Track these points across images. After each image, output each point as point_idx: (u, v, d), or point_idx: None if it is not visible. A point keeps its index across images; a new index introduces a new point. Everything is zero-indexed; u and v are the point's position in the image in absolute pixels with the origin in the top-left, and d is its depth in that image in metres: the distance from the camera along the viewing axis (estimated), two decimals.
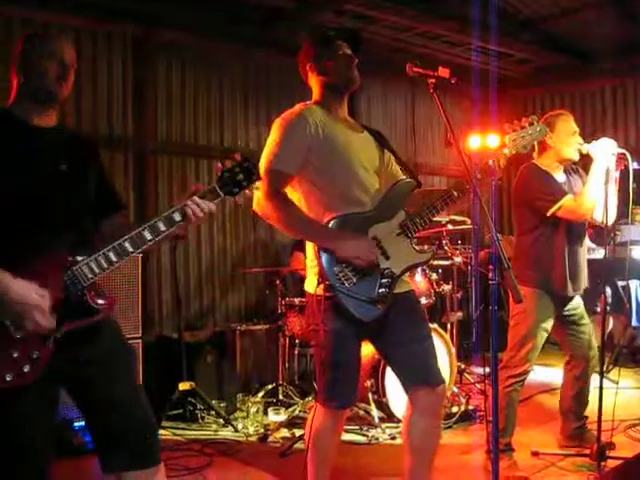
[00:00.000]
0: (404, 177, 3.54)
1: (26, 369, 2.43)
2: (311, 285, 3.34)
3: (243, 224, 7.53)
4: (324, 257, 3.21)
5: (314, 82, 3.51)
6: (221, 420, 5.66)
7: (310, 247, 3.36)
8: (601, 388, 4.18)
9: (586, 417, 4.73)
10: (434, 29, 7.56)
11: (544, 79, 9.22)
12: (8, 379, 2.41)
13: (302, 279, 6.48)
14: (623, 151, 4.27)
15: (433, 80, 3.16)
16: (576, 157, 4.43)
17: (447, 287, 6.24)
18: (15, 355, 2.42)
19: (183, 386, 5.62)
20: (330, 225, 3.25)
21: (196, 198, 2.62)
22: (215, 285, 7.39)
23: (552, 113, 4.59)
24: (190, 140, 7.19)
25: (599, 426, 4.20)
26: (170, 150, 6.98)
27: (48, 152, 2.65)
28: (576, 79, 9.15)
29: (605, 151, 4.22)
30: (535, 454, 4.69)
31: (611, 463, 4.16)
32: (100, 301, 2.58)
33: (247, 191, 2.69)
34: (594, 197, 4.26)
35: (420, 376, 3.35)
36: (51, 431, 2.68)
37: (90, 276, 2.51)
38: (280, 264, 7.26)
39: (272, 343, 6.39)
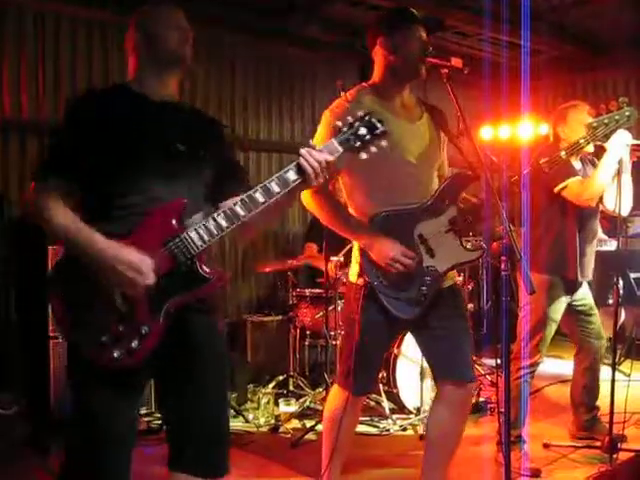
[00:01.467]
0: (461, 170, 3.39)
1: (134, 344, 2.33)
2: (352, 274, 3.36)
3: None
4: (365, 254, 3.21)
5: (378, 58, 3.34)
6: (232, 411, 5.66)
7: None
8: (613, 380, 4.17)
9: (598, 407, 4.73)
10: (446, 20, 7.52)
11: (557, 69, 9.16)
12: (116, 355, 2.32)
13: (313, 270, 6.50)
14: (637, 142, 4.24)
15: (446, 70, 3.13)
16: (590, 148, 4.40)
17: (459, 279, 6.21)
18: (122, 329, 2.33)
19: None
20: (374, 221, 3.22)
21: (307, 149, 2.41)
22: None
23: (565, 104, 4.57)
24: None
25: (611, 418, 4.19)
26: None
27: (165, 128, 2.55)
28: (588, 70, 9.10)
29: (619, 142, 4.19)
30: (546, 446, 4.69)
31: (623, 455, 4.15)
32: (211, 270, 2.44)
33: (372, 147, 2.47)
34: (600, 184, 4.23)
35: (451, 370, 3.34)
36: (135, 418, 2.65)
37: (199, 244, 2.36)
38: (291, 254, 7.25)
39: (283, 334, 6.38)
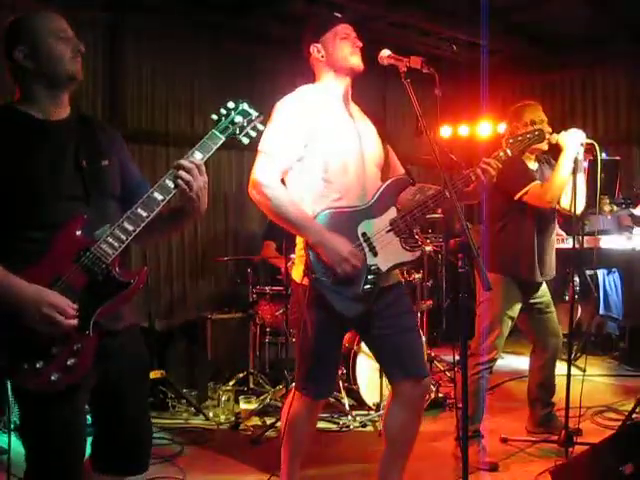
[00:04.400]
0: (401, 172, 3.51)
1: (70, 362, 2.33)
2: (298, 274, 3.34)
3: (214, 212, 7.52)
4: (312, 250, 3.20)
5: (316, 64, 3.45)
6: (192, 409, 5.66)
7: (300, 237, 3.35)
8: (569, 375, 4.24)
9: (553, 403, 4.81)
10: (405, 18, 7.57)
11: (514, 69, 9.26)
12: (54, 379, 2.31)
13: (273, 268, 6.50)
14: (591, 142, 4.31)
15: (404, 69, 3.16)
16: (545, 146, 4.46)
17: (418, 276, 6.27)
18: (54, 351, 2.32)
19: (154, 375, 5.59)
20: (318, 218, 3.21)
21: (178, 162, 2.50)
22: (186, 274, 7.38)
23: (520, 103, 4.64)
24: (161, 128, 7.15)
25: (567, 413, 4.26)
26: (141, 138, 6.94)
27: (64, 148, 2.49)
28: (546, 69, 9.21)
29: (574, 141, 4.26)
30: (504, 440, 4.75)
31: (578, 449, 4.21)
32: (128, 275, 2.46)
33: (250, 131, 2.63)
34: (560, 185, 4.31)
35: (405, 368, 3.35)
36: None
37: (111, 252, 2.38)
38: (251, 252, 7.25)
39: (243, 331, 6.38)
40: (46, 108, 2.51)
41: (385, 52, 3.30)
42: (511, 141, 3.53)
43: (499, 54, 8.92)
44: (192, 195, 2.50)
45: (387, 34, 7.87)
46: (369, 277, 3.23)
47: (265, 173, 3.21)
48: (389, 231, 3.31)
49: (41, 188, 2.40)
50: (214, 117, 2.58)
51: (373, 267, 3.25)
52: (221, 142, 2.56)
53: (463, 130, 9.40)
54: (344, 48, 3.37)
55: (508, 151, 3.48)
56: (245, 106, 2.60)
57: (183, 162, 2.49)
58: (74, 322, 2.32)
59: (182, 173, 2.48)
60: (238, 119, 2.58)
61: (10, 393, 2.43)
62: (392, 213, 3.34)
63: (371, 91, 8.90)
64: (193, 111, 7.41)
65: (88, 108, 6.54)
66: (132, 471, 2.69)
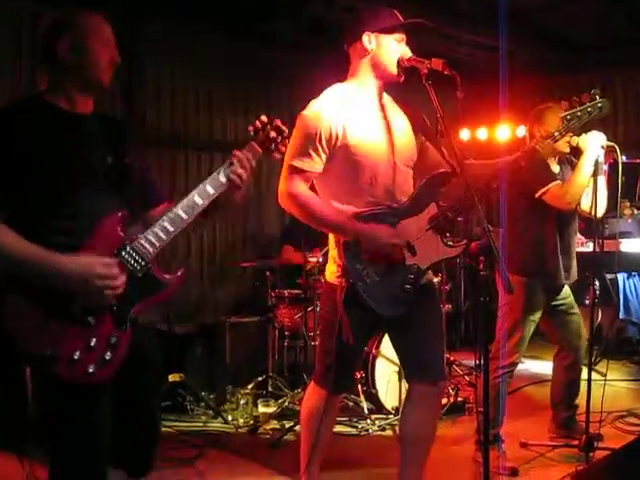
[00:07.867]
0: (441, 168, 3.36)
1: (108, 356, 2.33)
2: (330, 273, 3.35)
3: (232, 216, 7.52)
4: (347, 254, 3.18)
5: (359, 54, 3.31)
6: (211, 412, 5.66)
7: (332, 235, 3.34)
8: (589, 380, 4.21)
9: (576, 406, 4.76)
10: (427, 22, 7.54)
11: (533, 72, 9.21)
12: (91, 370, 2.30)
13: (292, 271, 6.50)
14: (612, 144, 4.28)
15: (426, 71, 3.15)
16: (566, 149, 4.44)
17: (436, 279, 6.24)
18: (93, 343, 2.31)
19: (173, 378, 5.61)
20: (358, 219, 3.21)
21: (237, 152, 2.57)
22: (205, 277, 7.38)
23: (540, 106, 4.61)
24: (179, 132, 7.17)
25: (587, 418, 4.23)
26: (159, 142, 6.96)
27: (92, 139, 2.52)
28: (565, 72, 9.15)
29: (594, 143, 4.24)
30: (524, 445, 4.72)
31: (599, 454, 4.18)
32: (167, 275, 2.51)
33: (282, 147, 2.71)
34: (580, 186, 4.28)
35: (424, 370, 3.35)
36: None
37: (151, 249, 2.43)
38: (270, 256, 7.25)
39: (262, 335, 6.37)
40: (73, 102, 2.52)
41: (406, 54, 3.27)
42: (568, 117, 3.48)
43: (518, 57, 8.87)
44: (243, 188, 2.60)
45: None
46: (409, 277, 3.24)
47: (292, 183, 3.22)
48: (428, 229, 3.30)
49: (70, 176, 2.39)
50: (251, 130, 2.63)
51: (413, 266, 3.25)
52: (258, 154, 2.63)
53: (482, 134, 9.37)
54: (395, 54, 3.28)
55: (561, 132, 3.43)
56: (279, 122, 2.67)
57: (239, 154, 2.57)
58: (119, 286, 2.33)
59: (236, 168, 2.55)
60: (272, 134, 2.65)
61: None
62: (431, 210, 3.31)
63: (391, 93, 8.90)
64: (211, 115, 7.42)
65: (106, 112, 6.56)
66: (134, 471, 2.68)
